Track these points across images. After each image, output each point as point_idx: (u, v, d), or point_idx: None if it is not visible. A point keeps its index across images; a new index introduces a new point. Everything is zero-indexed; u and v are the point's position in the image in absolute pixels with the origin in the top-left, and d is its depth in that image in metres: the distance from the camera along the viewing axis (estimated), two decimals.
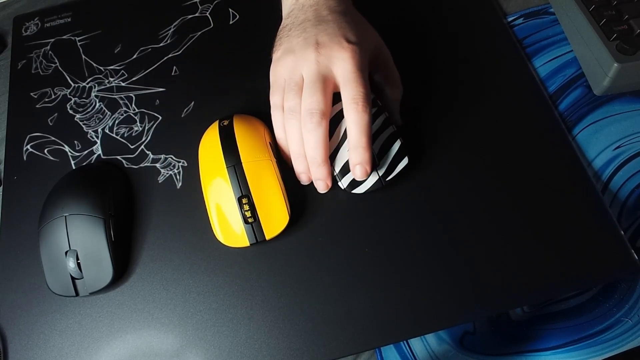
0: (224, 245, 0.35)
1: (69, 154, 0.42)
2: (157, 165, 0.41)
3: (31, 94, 0.45)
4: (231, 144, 0.36)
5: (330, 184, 0.36)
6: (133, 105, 0.44)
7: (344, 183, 0.35)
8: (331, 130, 0.34)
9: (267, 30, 0.39)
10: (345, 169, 0.35)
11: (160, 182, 0.40)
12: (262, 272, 0.36)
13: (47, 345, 0.35)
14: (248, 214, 0.34)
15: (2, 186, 0.42)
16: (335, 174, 0.36)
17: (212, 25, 0.47)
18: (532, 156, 0.38)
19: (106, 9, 0.50)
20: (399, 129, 0.37)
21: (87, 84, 0.45)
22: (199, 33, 0.47)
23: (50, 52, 0.48)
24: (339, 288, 0.35)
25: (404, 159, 0.35)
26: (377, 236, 0.36)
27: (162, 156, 0.41)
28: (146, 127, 0.43)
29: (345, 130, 0.34)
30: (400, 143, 0.36)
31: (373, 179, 0.35)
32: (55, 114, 0.44)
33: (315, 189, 0.37)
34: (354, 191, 0.36)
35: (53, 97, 0.45)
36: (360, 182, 0.35)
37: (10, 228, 0.39)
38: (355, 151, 0.32)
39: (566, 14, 0.43)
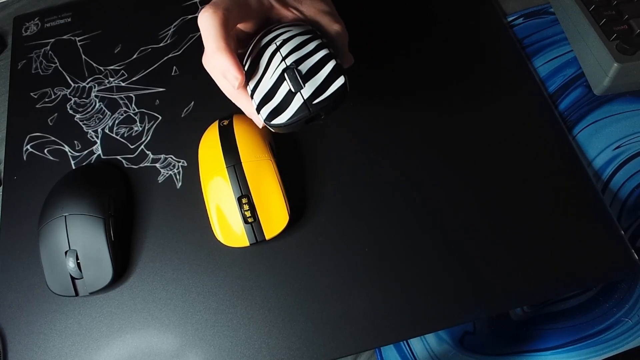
0: (224, 245, 0.35)
1: (69, 154, 0.42)
2: (157, 165, 0.41)
3: (31, 94, 0.45)
4: (231, 144, 0.36)
5: (241, 78, 0.29)
6: (133, 105, 0.44)
7: (262, 115, 0.30)
8: (253, 65, 0.31)
9: None
10: (266, 99, 0.30)
11: (160, 182, 0.40)
12: (262, 272, 0.36)
13: (47, 345, 0.35)
14: (248, 214, 0.34)
15: (2, 186, 0.42)
16: (255, 107, 0.30)
17: None
18: (532, 156, 0.38)
19: (106, 9, 0.50)
20: (339, 60, 0.31)
21: (87, 84, 0.45)
22: (199, 33, 0.46)
23: (50, 52, 0.48)
24: (338, 288, 0.35)
25: (339, 79, 0.29)
26: (377, 236, 0.36)
27: (162, 156, 0.41)
28: (146, 127, 0.43)
29: (266, 63, 0.30)
30: (334, 63, 0.29)
31: (296, 103, 0.29)
32: (55, 114, 0.44)
33: (315, 189, 0.37)
34: (274, 122, 0.29)
35: (53, 97, 0.45)
36: (281, 110, 0.29)
37: (10, 228, 0.39)
38: None
39: (566, 14, 0.43)
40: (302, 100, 0.28)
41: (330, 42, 0.32)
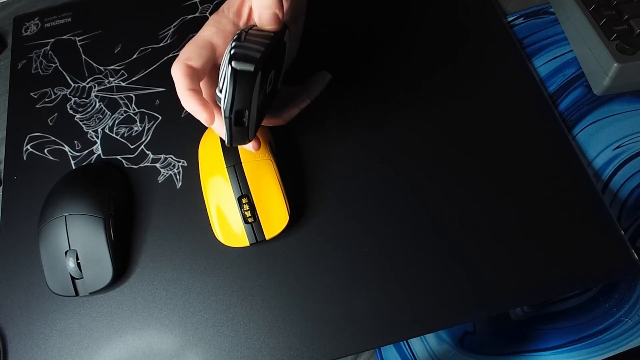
0: (223, 245, 0.35)
1: (69, 154, 0.42)
2: (157, 165, 0.41)
3: (31, 94, 0.45)
4: None
5: (207, 115, 0.30)
6: (133, 105, 0.44)
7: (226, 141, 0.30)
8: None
9: None
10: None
11: (160, 182, 0.40)
12: (262, 272, 0.36)
13: (47, 345, 0.35)
14: (248, 213, 0.34)
15: (2, 186, 0.42)
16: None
17: None
18: (532, 156, 0.38)
19: (106, 9, 0.50)
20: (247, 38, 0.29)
21: (87, 84, 0.45)
22: None
23: (50, 52, 0.48)
24: (338, 288, 0.35)
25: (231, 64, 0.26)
26: (377, 236, 0.36)
27: (162, 156, 0.41)
28: (146, 127, 0.43)
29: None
30: (229, 54, 0.27)
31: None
32: (55, 114, 0.44)
33: (315, 189, 0.37)
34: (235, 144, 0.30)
35: (53, 97, 0.45)
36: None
37: (10, 228, 0.39)
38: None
39: (566, 13, 0.43)
40: (223, 112, 0.28)
41: (252, 29, 0.30)
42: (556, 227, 0.36)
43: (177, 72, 0.30)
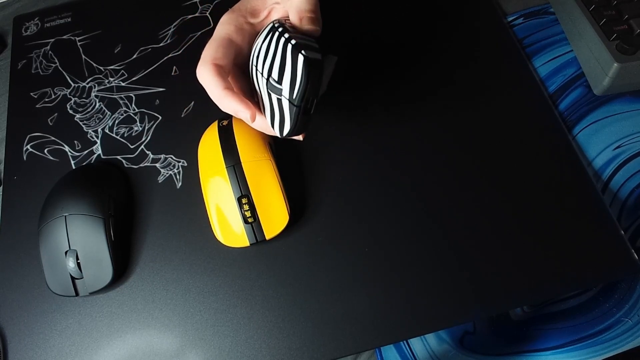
0: (224, 245, 0.35)
1: (69, 153, 0.42)
2: (157, 165, 0.41)
3: (31, 94, 0.45)
4: (230, 144, 0.36)
5: (251, 112, 0.30)
6: (133, 105, 0.44)
7: (277, 131, 0.31)
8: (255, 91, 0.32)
9: None
10: (272, 117, 0.30)
11: (160, 182, 0.40)
12: (262, 272, 0.36)
13: (47, 345, 0.35)
14: (248, 214, 0.34)
15: (2, 186, 0.42)
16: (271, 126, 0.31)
17: (212, 25, 0.47)
18: (532, 156, 0.38)
19: (106, 9, 0.50)
20: (299, 36, 0.29)
21: (87, 84, 0.45)
22: (199, 33, 0.47)
23: (50, 52, 0.48)
24: (339, 288, 0.35)
25: (299, 58, 0.27)
26: (377, 236, 0.36)
27: (162, 156, 0.41)
28: (146, 127, 0.43)
29: (257, 86, 0.30)
30: (290, 46, 0.27)
31: (286, 107, 0.29)
32: (55, 114, 0.44)
33: (315, 189, 0.37)
34: (286, 133, 0.30)
35: (53, 97, 0.45)
36: (284, 120, 0.29)
37: (10, 228, 0.39)
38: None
39: (566, 13, 0.43)
40: (287, 101, 0.28)
41: (291, 26, 0.31)
42: (556, 227, 0.36)
43: (207, 74, 0.29)
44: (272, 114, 0.30)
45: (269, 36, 0.29)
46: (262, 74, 0.29)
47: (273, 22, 0.30)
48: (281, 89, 0.28)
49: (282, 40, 0.28)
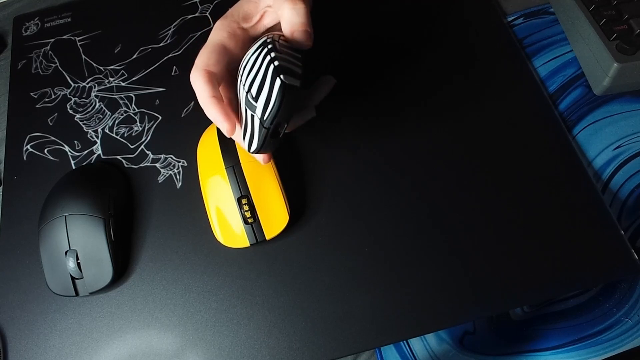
0: (224, 245, 0.35)
1: (69, 153, 0.42)
2: (157, 165, 0.41)
3: (31, 94, 0.45)
4: (230, 144, 0.36)
5: (229, 126, 0.30)
6: (133, 105, 0.44)
7: (245, 147, 0.31)
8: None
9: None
10: (245, 131, 0.30)
11: (160, 182, 0.40)
12: (262, 272, 0.36)
13: (47, 345, 0.35)
14: (248, 214, 0.34)
15: (2, 186, 0.42)
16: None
17: (212, 25, 0.47)
18: (532, 156, 0.38)
19: (106, 9, 0.50)
20: (284, 57, 0.29)
21: (87, 84, 0.45)
22: (199, 33, 0.47)
23: (50, 52, 0.48)
24: (338, 288, 0.35)
25: (276, 82, 0.26)
26: (377, 236, 0.36)
27: (162, 156, 0.41)
28: (146, 127, 0.43)
29: (241, 99, 0.30)
30: (272, 67, 0.27)
31: (256, 125, 0.28)
32: (55, 114, 0.44)
33: (315, 189, 0.37)
34: (253, 150, 0.30)
35: (53, 97, 0.45)
36: (253, 136, 0.29)
37: (10, 228, 0.39)
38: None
39: (566, 14, 0.43)
40: (259, 120, 0.28)
41: (284, 39, 0.31)
42: (556, 227, 0.36)
43: (198, 80, 0.30)
44: (245, 127, 0.30)
45: (257, 50, 0.29)
46: (244, 86, 0.29)
47: (267, 36, 0.30)
48: (255, 107, 0.28)
49: (268, 59, 0.28)
